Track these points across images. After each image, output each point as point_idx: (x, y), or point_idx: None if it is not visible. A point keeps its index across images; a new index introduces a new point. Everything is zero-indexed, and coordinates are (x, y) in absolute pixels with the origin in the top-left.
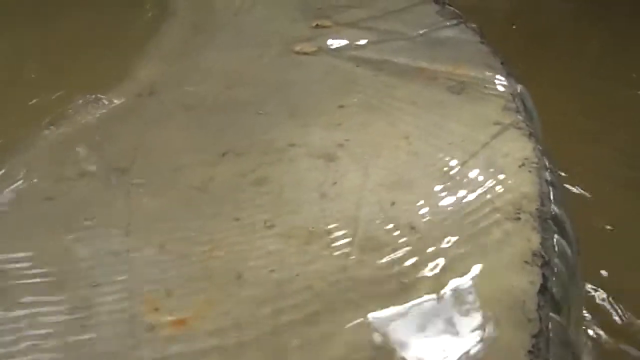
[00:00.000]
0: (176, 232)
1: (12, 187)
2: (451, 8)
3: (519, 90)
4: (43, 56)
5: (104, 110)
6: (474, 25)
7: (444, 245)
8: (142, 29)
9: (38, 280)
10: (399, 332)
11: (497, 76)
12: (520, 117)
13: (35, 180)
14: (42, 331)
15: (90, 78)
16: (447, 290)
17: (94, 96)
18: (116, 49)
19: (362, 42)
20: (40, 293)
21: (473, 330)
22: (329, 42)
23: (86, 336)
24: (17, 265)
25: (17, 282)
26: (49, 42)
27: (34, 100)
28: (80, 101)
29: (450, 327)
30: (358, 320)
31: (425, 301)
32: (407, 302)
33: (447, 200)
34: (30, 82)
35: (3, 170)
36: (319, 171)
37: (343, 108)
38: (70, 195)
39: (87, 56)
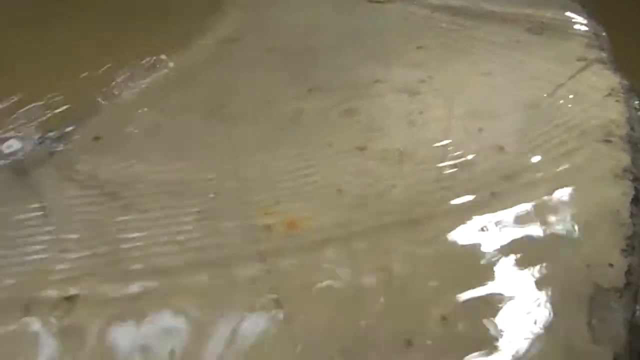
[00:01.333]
0: (276, 153)
1: (122, 119)
2: None
3: (602, 31)
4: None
5: (193, 57)
6: None
7: (534, 161)
8: None
9: (160, 192)
10: (495, 236)
11: (578, 17)
12: (604, 54)
13: (145, 109)
14: (173, 230)
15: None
16: (539, 200)
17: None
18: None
19: None
20: (166, 204)
21: (568, 234)
22: None
23: (212, 233)
24: (143, 183)
25: (149, 192)
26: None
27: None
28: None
29: (543, 234)
30: (454, 226)
31: (519, 210)
32: (499, 210)
33: (534, 126)
34: (106, 43)
35: (117, 104)
36: (404, 103)
37: (422, 49)
38: (175, 124)
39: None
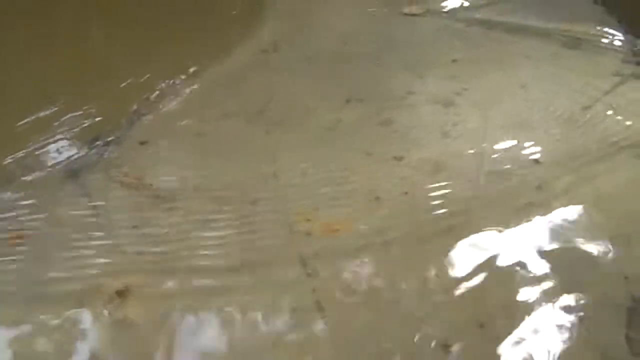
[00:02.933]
0: (315, 160)
1: (167, 124)
2: None
3: (638, 47)
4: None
5: (235, 64)
6: None
7: (570, 174)
8: None
9: (205, 196)
10: (531, 246)
11: (614, 32)
12: None
13: (188, 116)
14: (217, 234)
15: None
16: (576, 212)
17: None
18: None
19: (471, 4)
20: (209, 208)
21: (606, 246)
22: (437, 4)
23: (254, 237)
24: (187, 187)
25: (185, 199)
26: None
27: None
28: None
29: (580, 245)
30: (495, 234)
31: (555, 221)
32: (535, 220)
33: (570, 140)
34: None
35: (161, 110)
36: (439, 115)
37: (456, 62)
38: (217, 130)
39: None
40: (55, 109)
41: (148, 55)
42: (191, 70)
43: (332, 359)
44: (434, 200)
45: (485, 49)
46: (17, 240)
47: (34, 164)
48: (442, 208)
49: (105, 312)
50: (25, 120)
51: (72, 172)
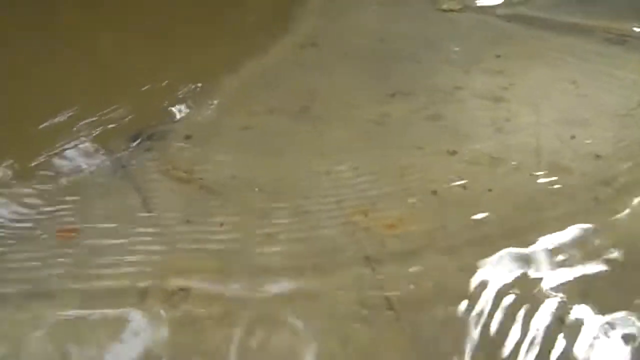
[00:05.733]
0: (366, 154)
1: (211, 119)
2: None
3: None
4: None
5: (274, 61)
6: None
7: (632, 167)
8: None
9: (257, 191)
10: (598, 242)
11: None
12: None
13: (233, 110)
14: (274, 230)
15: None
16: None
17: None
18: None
19: (509, 0)
20: (262, 203)
21: None
22: (474, 0)
23: (312, 234)
24: (237, 180)
25: (237, 193)
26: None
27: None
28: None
29: None
30: (558, 235)
31: (621, 215)
32: (603, 215)
33: (628, 134)
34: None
35: (205, 105)
36: (489, 110)
37: (500, 57)
38: (263, 124)
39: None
40: (75, 112)
41: (187, 53)
42: (227, 68)
43: (405, 356)
44: (494, 195)
45: (528, 45)
46: (72, 234)
47: (80, 159)
48: (503, 205)
49: (163, 309)
50: (46, 124)
51: (119, 168)
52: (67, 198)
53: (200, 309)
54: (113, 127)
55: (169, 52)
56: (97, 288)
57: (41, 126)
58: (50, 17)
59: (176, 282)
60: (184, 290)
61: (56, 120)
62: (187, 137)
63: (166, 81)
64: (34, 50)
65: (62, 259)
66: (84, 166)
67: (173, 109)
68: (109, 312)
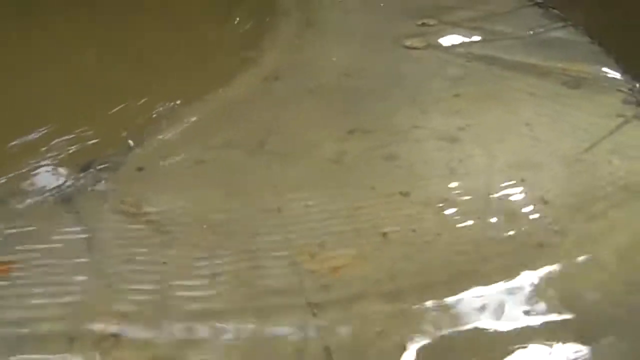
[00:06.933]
0: (319, 193)
1: (167, 153)
2: (555, 11)
3: (638, 86)
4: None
5: (236, 92)
6: (581, 27)
7: (579, 215)
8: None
9: (205, 228)
10: (542, 291)
11: (613, 72)
12: None
13: (188, 143)
14: (218, 270)
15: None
16: (587, 253)
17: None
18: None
19: (471, 40)
20: (210, 241)
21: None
22: (438, 39)
23: (256, 274)
24: (187, 217)
25: (184, 230)
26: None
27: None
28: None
29: (590, 287)
30: (510, 282)
31: (568, 261)
32: (548, 262)
33: (577, 180)
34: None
35: (160, 136)
36: (444, 151)
37: (459, 97)
38: (219, 159)
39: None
40: (46, 131)
41: (146, 81)
42: (190, 97)
43: None
44: (443, 240)
45: (487, 85)
46: (8, 268)
47: (25, 189)
48: (451, 250)
49: (97, 354)
50: (15, 142)
51: (66, 198)
52: (9, 231)
53: (132, 356)
54: (68, 154)
55: (145, 75)
56: (24, 333)
57: (10, 144)
58: (34, 30)
59: (108, 327)
60: (115, 336)
61: (29, 138)
62: (140, 169)
63: (140, 102)
64: (12, 62)
65: None
66: (30, 196)
67: (129, 138)
68: (36, 358)
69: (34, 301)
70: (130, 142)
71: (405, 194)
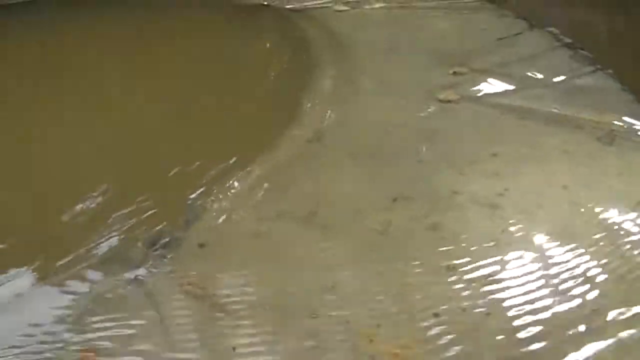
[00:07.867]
0: (370, 268)
1: (223, 224)
2: (584, 52)
3: None
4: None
5: (282, 158)
6: (611, 71)
7: (629, 297)
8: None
9: (260, 310)
10: None
11: None
12: None
13: (242, 215)
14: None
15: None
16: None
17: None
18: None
19: (502, 89)
20: (275, 320)
21: None
22: (470, 88)
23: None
24: (248, 296)
25: (255, 306)
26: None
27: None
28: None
29: None
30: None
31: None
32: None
33: (623, 253)
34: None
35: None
36: (485, 219)
37: (496, 156)
38: (272, 231)
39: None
40: (102, 198)
41: (194, 146)
42: (239, 159)
43: None
44: (493, 320)
45: (521, 142)
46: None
47: (94, 272)
48: (505, 331)
49: None
50: (75, 209)
51: (138, 280)
52: (87, 317)
53: None
54: (134, 224)
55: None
56: None
57: (69, 212)
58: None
59: None
60: None
61: (86, 206)
62: (201, 246)
63: (192, 167)
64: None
65: None
66: (100, 279)
67: (185, 211)
68: None
69: None
70: (189, 217)
71: (451, 269)
